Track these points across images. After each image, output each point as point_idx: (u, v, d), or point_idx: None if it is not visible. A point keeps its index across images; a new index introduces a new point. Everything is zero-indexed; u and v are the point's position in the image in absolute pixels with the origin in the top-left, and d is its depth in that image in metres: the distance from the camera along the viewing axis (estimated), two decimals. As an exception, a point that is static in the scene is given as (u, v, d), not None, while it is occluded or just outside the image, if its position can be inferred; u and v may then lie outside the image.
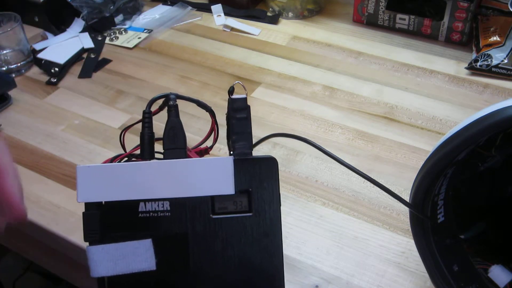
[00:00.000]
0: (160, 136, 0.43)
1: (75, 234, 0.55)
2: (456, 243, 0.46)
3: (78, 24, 0.90)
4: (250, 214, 0.40)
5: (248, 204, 0.40)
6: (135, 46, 0.87)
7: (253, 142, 0.54)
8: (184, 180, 0.39)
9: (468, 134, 0.37)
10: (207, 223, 0.40)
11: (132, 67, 0.82)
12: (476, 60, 0.76)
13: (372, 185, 0.45)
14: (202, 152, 0.50)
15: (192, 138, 0.66)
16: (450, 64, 0.79)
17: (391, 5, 0.85)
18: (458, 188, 0.45)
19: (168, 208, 0.39)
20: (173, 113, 0.43)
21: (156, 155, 0.44)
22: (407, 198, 0.45)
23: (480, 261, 0.46)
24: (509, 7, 0.74)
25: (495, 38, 0.77)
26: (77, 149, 0.67)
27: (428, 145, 0.65)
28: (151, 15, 0.95)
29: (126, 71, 0.81)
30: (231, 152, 0.41)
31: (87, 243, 0.39)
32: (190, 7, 0.97)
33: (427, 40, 0.84)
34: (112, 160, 0.47)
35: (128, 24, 0.93)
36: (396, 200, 0.44)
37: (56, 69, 0.81)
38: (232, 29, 0.91)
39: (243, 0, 0.94)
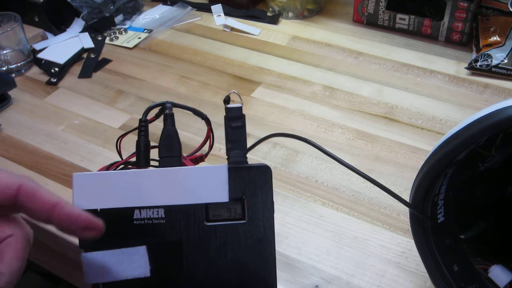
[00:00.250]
0: (156, 143, 0.43)
1: (75, 234, 0.55)
2: (456, 243, 0.46)
3: (78, 24, 0.90)
4: (244, 221, 0.40)
5: (242, 212, 0.40)
6: (135, 46, 0.87)
7: (253, 142, 0.54)
8: (179, 188, 0.40)
9: (468, 134, 0.37)
10: (201, 230, 0.40)
11: (132, 67, 0.82)
12: (476, 60, 0.76)
13: (372, 185, 0.45)
14: (198, 159, 0.50)
15: (192, 138, 0.66)
16: (450, 64, 0.79)
17: (391, 5, 0.85)
18: (458, 188, 0.45)
19: (163, 216, 0.40)
20: (169, 121, 0.43)
21: (152, 163, 0.44)
22: (407, 198, 0.45)
23: (480, 261, 0.46)
24: (509, 7, 0.74)
25: (495, 38, 0.77)
26: (77, 149, 0.67)
27: (428, 145, 0.65)
28: (151, 15, 0.95)
29: (126, 71, 0.81)
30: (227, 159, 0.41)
31: (82, 250, 0.39)
32: (190, 7, 0.97)
33: (427, 40, 0.84)
34: (108, 167, 0.47)
35: (128, 24, 0.93)
36: (396, 200, 0.44)
37: (56, 69, 0.81)
38: (232, 29, 0.91)
39: (243, 0, 0.94)
